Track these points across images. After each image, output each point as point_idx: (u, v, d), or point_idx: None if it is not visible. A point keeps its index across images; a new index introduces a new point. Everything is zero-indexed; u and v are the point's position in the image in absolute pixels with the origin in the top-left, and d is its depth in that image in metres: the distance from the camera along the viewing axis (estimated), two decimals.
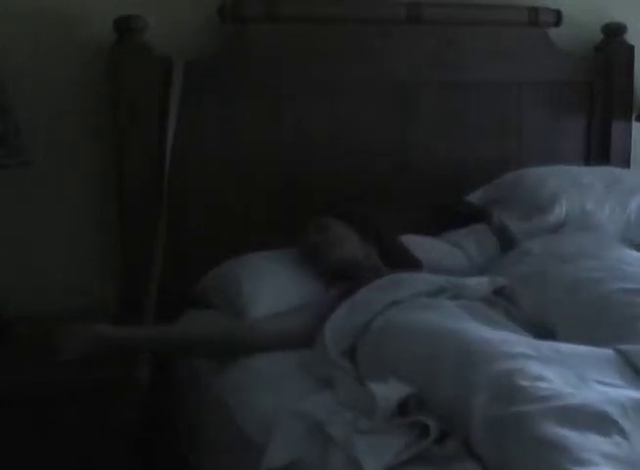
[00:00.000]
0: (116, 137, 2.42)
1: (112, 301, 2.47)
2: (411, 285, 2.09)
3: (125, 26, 2.33)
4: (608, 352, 1.70)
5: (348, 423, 1.64)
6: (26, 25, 2.34)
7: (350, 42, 2.62)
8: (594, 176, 2.68)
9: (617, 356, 1.68)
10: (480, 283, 2.13)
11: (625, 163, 3.03)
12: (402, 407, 1.65)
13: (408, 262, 2.31)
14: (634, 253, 2.33)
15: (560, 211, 2.55)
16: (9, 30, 2.31)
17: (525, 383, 1.52)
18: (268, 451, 1.66)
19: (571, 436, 1.39)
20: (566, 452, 1.36)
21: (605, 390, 1.53)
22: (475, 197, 2.70)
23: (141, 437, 2.14)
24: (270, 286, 2.26)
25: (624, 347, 1.71)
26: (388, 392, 1.66)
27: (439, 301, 2.03)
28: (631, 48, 3.00)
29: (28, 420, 1.98)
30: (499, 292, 2.14)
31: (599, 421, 1.43)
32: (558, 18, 2.83)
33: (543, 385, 1.52)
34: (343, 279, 2.23)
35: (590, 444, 1.38)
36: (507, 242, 2.53)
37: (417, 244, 2.41)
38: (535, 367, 1.58)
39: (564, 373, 1.58)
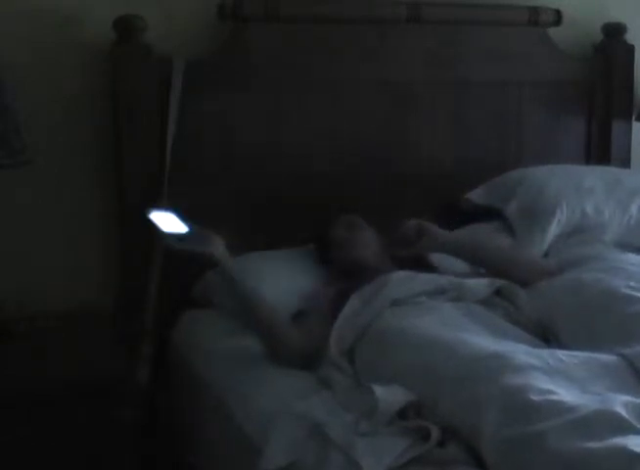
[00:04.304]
0: (116, 137, 2.42)
1: (112, 301, 2.47)
2: (411, 284, 2.09)
3: (125, 26, 2.32)
4: (611, 358, 1.70)
5: (348, 425, 1.64)
6: (26, 25, 2.33)
7: (350, 42, 2.62)
8: (595, 178, 2.68)
9: (620, 362, 1.68)
10: (480, 284, 2.13)
11: (625, 163, 3.03)
12: (401, 413, 1.65)
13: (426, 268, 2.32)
14: (637, 256, 2.34)
15: (561, 215, 2.55)
16: (9, 30, 2.31)
17: (536, 398, 1.50)
18: (266, 453, 1.66)
19: (593, 447, 1.38)
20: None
21: (612, 396, 1.53)
22: (475, 195, 2.71)
23: (141, 437, 2.14)
24: (272, 285, 2.26)
25: (628, 351, 1.71)
26: (390, 396, 1.66)
27: (439, 303, 2.03)
28: (631, 48, 3.01)
29: (28, 420, 1.98)
30: (499, 292, 2.14)
31: (617, 426, 1.43)
32: (558, 17, 2.84)
33: (554, 398, 1.50)
34: (349, 276, 2.23)
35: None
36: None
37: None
38: (543, 380, 1.57)
39: (569, 384, 1.58)
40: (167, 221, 1.98)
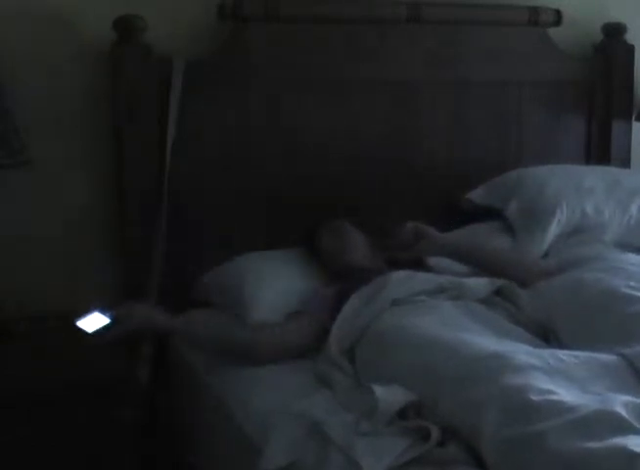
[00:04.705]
0: (116, 137, 2.42)
1: (112, 301, 2.46)
2: (411, 284, 2.09)
3: (125, 26, 2.32)
4: (611, 358, 1.70)
5: (348, 425, 1.64)
6: (26, 25, 2.33)
7: (350, 42, 2.62)
8: (595, 178, 2.68)
9: (620, 362, 1.68)
10: (480, 283, 2.14)
11: (625, 163, 3.04)
12: (401, 413, 1.65)
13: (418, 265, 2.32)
14: (637, 256, 2.34)
15: (561, 215, 2.55)
16: (9, 30, 2.31)
17: (536, 398, 1.50)
18: (266, 453, 1.66)
19: (593, 447, 1.38)
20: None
21: (612, 396, 1.53)
22: (475, 195, 2.71)
23: (141, 437, 2.14)
24: (271, 286, 2.27)
25: (627, 351, 1.71)
26: (390, 396, 1.66)
27: (439, 302, 2.03)
28: (631, 48, 3.01)
29: (28, 420, 1.98)
30: (499, 292, 2.14)
31: (617, 426, 1.43)
32: (558, 17, 2.84)
33: (554, 398, 1.50)
34: (345, 279, 2.24)
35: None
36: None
37: None
38: (543, 380, 1.57)
39: (569, 385, 1.58)
40: (93, 320, 2.04)
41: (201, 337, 2.16)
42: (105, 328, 2.02)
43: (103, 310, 2.04)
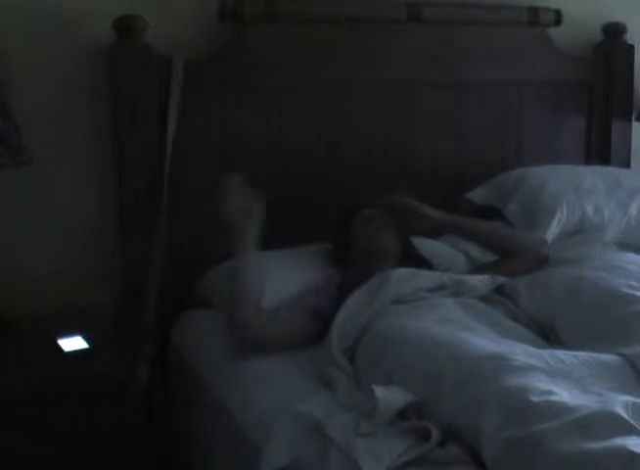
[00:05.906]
0: (116, 137, 2.42)
1: (112, 301, 2.46)
2: (412, 282, 2.09)
3: (125, 26, 2.33)
4: (611, 358, 1.70)
5: (349, 425, 1.64)
6: (26, 25, 2.33)
7: (350, 42, 2.63)
8: (595, 178, 2.69)
9: (621, 362, 1.68)
10: (481, 281, 2.14)
11: (625, 163, 3.04)
12: (401, 414, 1.65)
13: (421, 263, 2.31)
14: (637, 256, 2.34)
15: (561, 215, 2.56)
16: (9, 30, 2.31)
17: (536, 399, 1.50)
18: (266, 453, 1.66)
19: (593, 448, 1.38)
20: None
21: (612, 396, 1.53)
22: (475, 195, 2.71)
23: (141, 437, 2.14)
24: (271, 286, 2.26)
25: (628, 351, 1.71)
26: (391, 396, 1.66)
27: (440, 300, 2.03)
28: (631, 48, 3.01)
29: (27, 420, 1.98)
30: (499, 290, 2.14)
31: (617, 427, 1.43)
32: (558, 17, 2.84)
33: (554, 399, 1.50)
34: (360, 263, 2.24)
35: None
36: None
37: (418, 245, 2.41)
38: (543, 380, 1.57)
39: (569, 385, 1.58)
40: (73, 342, 2.16)
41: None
42: (81, 352, 2.06)
43: (84, 336, 2.08)
